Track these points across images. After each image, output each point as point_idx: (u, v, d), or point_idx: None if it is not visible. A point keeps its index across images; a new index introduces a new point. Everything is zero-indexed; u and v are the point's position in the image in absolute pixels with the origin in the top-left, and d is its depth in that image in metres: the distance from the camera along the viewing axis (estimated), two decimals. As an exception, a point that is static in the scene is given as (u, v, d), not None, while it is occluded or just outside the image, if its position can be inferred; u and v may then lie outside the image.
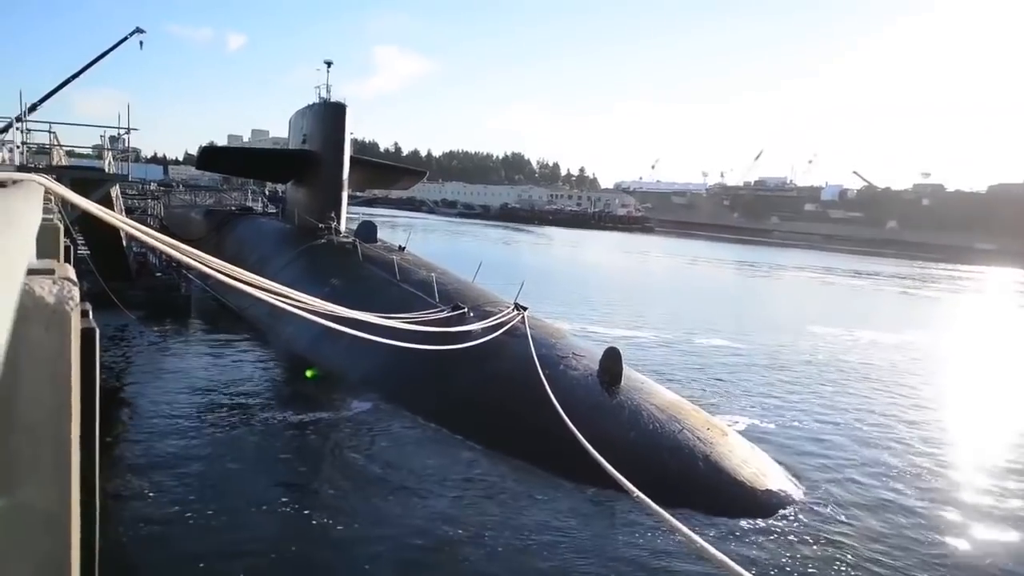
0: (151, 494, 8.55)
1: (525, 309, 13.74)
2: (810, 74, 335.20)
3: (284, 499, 8.69)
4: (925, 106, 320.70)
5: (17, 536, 1.89)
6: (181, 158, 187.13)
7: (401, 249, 20.05)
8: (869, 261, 75.64)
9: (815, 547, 8.30)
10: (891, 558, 8.19)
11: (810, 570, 7.76)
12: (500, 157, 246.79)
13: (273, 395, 13.44)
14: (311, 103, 24.89)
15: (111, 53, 49.33)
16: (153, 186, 43.57)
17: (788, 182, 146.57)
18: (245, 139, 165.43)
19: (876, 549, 8.37)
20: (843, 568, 7.85)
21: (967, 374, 20.46)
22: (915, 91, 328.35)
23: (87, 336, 2.49)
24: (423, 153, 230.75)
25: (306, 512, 8.38)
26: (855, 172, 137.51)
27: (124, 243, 19.68)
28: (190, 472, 9.28)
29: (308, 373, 13.40)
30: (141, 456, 9.75)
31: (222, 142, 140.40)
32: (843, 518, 9.18)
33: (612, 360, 11.62)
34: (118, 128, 19.42)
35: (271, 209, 31.81)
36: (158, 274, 21.87)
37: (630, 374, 11.99)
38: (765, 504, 9.33)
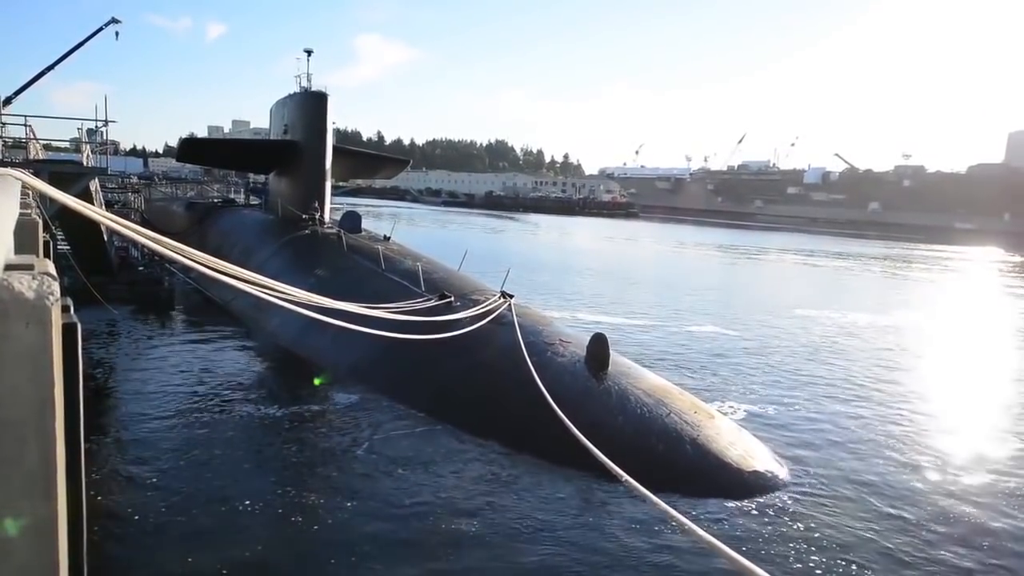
0: (138, 489, 8.50)
1: (511, 297, 13.74)
2: (792, 58, 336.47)
3: (272, 492, 8.66)
4: (905, 88, 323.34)
5: (3, 534, 1.87)
6: (161, 150, 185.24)
7: (386, 239, 19.95)
8: (852, 243, 76.26)
9: (802, 527, 8.40)
10: (877, 537, 8.30)
11: (798, 550, 7.86)
12: (484, 144, 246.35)
13: (260, 388, 13.36)
14: (292, 92, 24.68)
15: (87, 44, 48.66)
16: (133, 179, 43.05)
17: (771, 165, 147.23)
18: (226, 130, 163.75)
19: (862, 528, 8.49)
20: (830, 547, 7.95)
21: (954, 354, 20.68)
22: (895, 73, 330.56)
23: (69, 331, 2.47)
24: (406, 142, 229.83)
25: (295, 505, 8.36)
26: (837, 155, 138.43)
27: (105, 237, 19.47)
28: (178, 467, 9.23)
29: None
30: (128, 451, 9.68)
31: (202, 133, 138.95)
32: (830, 498, 9.28)
33: (599, 346, 11.65)
34: (96, 121, 19.18)
35: (253, 201, 31.54)
36: (140, 268, 21.68)
37: (617, 359, 12.04)
38: (752, 485, 9.42)
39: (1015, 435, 12.50)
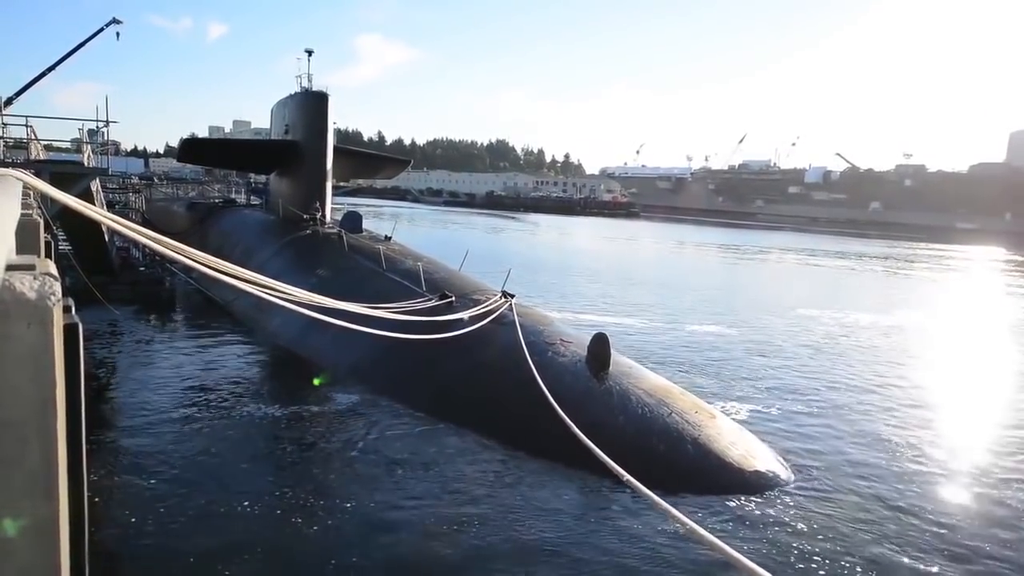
0: (140, 489, 8.50)
1: (512, 297, 13.73)
2: (792, 58, 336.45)
3: (273, 493, 8.67)
4: (906, 88, 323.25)
5: (4, 534, 1.87)
6: (162, 151, 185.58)
7: (387, 239, 19.95)
8: (854, 242, 76.19)
9: (804, 527, 8.39)
10: (878, 537, 8.29)
11: (799, 550, 7.85)
12: (485, 144, 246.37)
13: (261, 388, 13.37)
14: (293, 93, 24.68)
15: (88, 45, 48.82)
16: (134, 179, 43.07)
17: (772, 165, 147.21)
18: (226, 130, 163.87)
19: (864, 528, 8.47)
20: (832, 547, 7.94)
21: (958, 354, 20.61)
22: (896, 73, 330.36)
23: (70, 331, 2.47)
24: (407, 142, 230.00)
25: (296, 506, 8.36)
26: (838, 154, 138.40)
27: (106, 238, 19.48)
28: (179, 467, 9.23)
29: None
30: (129, 451, 9.68)
31: (203, 134, 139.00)
32: (832, 498, 9.27)
33: (600, 345, 11.64)
34: (97, 121, 19.20)
35: (254, 201, 31.55)
36: (141, 268, 21.70)
37: (618, 359, 12.03)
38: (753, 485, 9.41)
39: (1020, 435, 12.48)
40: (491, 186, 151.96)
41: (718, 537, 3.96)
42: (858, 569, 7.51)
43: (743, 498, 9.03)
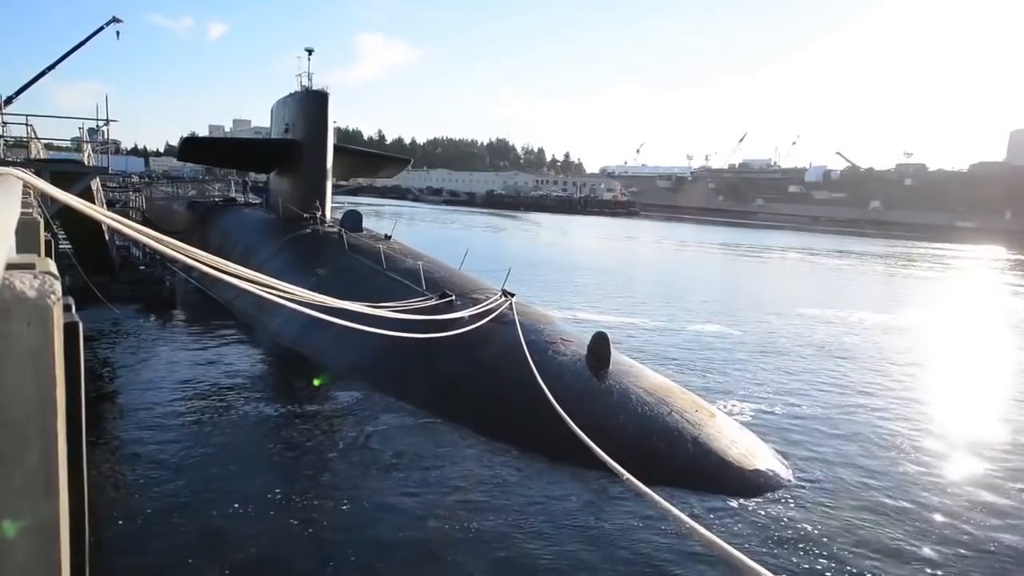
0: (140, 489, 8.50)
1: (513, 296, 13.73)
2: (792, 57, 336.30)
3: (274, 492, 8.66)
4: (906, 87, 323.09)
5: (4, 535, 1.87)
6: (162, 149, 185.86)
7: (387, 238, 19.95)
8: (854, 241, 76.17)
9: (804, 526, 8.39)
10: (879, 537, 8.29)
11: (799, 549, 7.85)
12: (485, 143, 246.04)
13: (261, 387, 13.37)
14: (293, 91, 24.66)
15: (88, 44, 48.93)
16: (135, 178, 43.08)
17: (772, 164, 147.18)
18: (227, 129, 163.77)
19: (864, 528, 8.47)
20: (831, 546, 7.94)
21: (961, 353, 20.58)
22: (896, 72, 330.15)
23: (70, 330, 2.46)
24: (407, 141, 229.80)
25: (296, 505, 8.36)
26: (838, 153, 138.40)
27: (106, 236, 19.48)
28: (179, 466, 9.23)
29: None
30: (129, 450, 9.69)
31: (203, 133, 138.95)
32: (832, 498, 9.27)
33: (600, 344, 11.65)
34: (97, 120, 19.21)
35: (253, 199, 31.52)
36: (142, 267, 21.70)
37: (618, 358, 12.04)
38: (753, 484, 9.41)
39: (1021, 435, 12.47)
40: (491, 185, 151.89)
41: (718, 536, 3.95)
42: (858, 568, 7.50)
43: (743, 497, 9.03)
